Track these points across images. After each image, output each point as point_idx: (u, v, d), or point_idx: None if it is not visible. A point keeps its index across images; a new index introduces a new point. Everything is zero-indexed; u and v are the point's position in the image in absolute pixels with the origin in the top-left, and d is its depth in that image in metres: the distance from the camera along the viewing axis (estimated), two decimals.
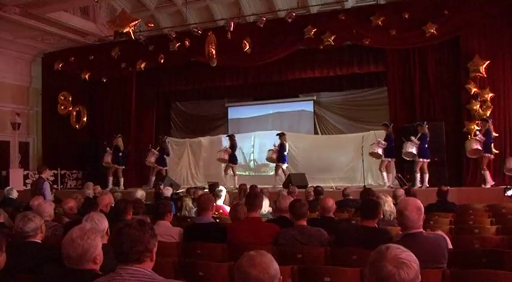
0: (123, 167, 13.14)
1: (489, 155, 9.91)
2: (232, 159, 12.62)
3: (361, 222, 3.95)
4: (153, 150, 13.05)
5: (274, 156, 12.27)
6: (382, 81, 12.65)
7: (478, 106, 10.27)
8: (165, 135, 13.37)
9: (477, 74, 10.31)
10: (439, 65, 11.01)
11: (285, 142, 12.25)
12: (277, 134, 12.45)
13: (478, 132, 9.98)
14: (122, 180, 12.98)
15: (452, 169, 10.42)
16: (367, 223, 3.86)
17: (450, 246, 3.39)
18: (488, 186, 9.65)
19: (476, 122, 10.21)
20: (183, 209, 6.67)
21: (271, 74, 13.17)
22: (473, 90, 10.32)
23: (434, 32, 10.48)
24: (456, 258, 3.35)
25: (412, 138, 10.44)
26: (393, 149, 10.78)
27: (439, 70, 11.00)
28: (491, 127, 9.95)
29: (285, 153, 12.21)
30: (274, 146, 12.29)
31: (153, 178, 12.82)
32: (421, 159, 10.38)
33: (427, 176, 10.27)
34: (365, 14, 11.15)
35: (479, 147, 9.87)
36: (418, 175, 10.32)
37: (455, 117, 10.61)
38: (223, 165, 13.04)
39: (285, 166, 12.33)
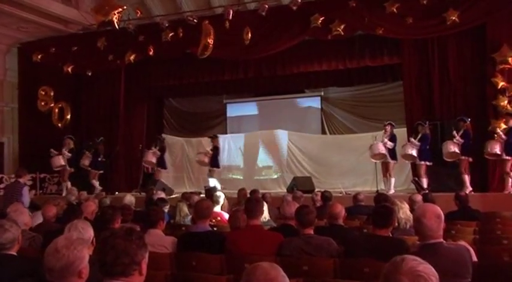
0: (72, 170, 13.24)
1: (467, 158, 10.06)
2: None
3: (374, 231, 3.95)
4: (87, 152, 13.11)
5: (206, 159, 12.70)
6: (397, 75, 12.61)
7: (506, 102, 10.18)
8: (101, 137, 13.38)
9: (505, 66, 10.23)
10: (461, 57, 10.95)
11: (218, 145, 12.79)
12: (210, 137, 13.11)
13: (455, 134, 10.05)
14: (68, 184, 13.03)
15: (476, 172, 10.38)
16: (380, 232, 3.87)
17: (474, 258, 3.37)
18: (467, 191, 9.60)
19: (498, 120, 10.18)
20: (176, 216, 6.66)
21: (274, 67, 13.15)
22: (501, 84, 10.26)
23: (456, 19, 10.43)
24: (481, 272, 3.33)
25: (412, 139, 10.52)
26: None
27: (462, 62, 10.95)
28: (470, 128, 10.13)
29: (219, 157, 12.74)
30: (207, 149, 12.86)
31: (97, 182, 12.98)
32: (422, 162, 10.49)
33: (426, 181, 10.42)
34: (378, 1, 11.10)
35: (457, 150, 9.98)
36: (424, 179, 10.44)
37: (479, 115, 10.56)
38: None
39: (218, 170, 12.87)
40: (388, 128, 11.13)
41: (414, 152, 10.49)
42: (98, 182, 13.09)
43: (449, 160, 10.20)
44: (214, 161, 12.75)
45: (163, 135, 15.64)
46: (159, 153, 13.05)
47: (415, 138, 10.60)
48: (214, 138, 12.99)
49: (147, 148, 13.39)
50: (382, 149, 10.80)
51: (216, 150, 12.77)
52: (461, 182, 10.06)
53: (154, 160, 13.02)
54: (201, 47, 11.99)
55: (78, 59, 13.86)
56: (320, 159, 13.98)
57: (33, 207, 7.87)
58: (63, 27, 13.86)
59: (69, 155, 13.09)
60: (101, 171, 13.22)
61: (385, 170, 11.03)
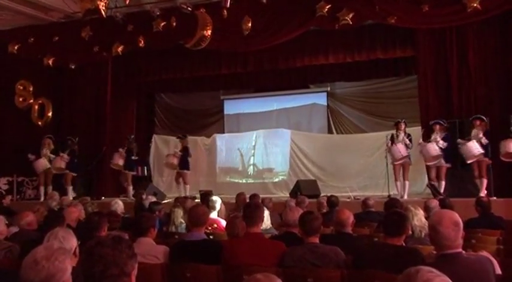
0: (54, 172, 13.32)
1: (487, 159, 10.09)
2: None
3: (385, 240, 3.96)
4: (62, 154, 13.13)
5: (175, 161, 12.81)
6: (411, 69, 12.64)
7: None
8: (76, 137, 13.43)
9: None
10: (483, 48, 10.94)
11: (188, 145, 12.99)
12: (178, 137, 13.33)
13: (481, 134, 10.05)
14: (49, 188, 13.15)
15: (498, 175, 10.36)
16: (392, 241, 3.87)
17: (498, 271, 3.37)
18: (482, 194, 9.62)
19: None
20: (170, 223, 6.68)
21: (275, 60, 13.16)
22: None
23: (478, 6, 10.36)
24: None
25: (438, 139, 10.46)
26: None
27: (483, 54, 10.93)
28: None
29: (189, 159, 12.96)
30: (175, 150, 13.00)
31: (70, 187, 13.07)
32: (447, 164, 10.51)
33: (444, 184, 10.46)
34: None
35: (481, 151, 10.05)
36: (443, 182, 10.48)
37: (502, 112, 10.53)
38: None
39: (189, 173, 13.05)
40: (403, 125, 11.10)
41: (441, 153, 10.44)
42: (71, 187, 13.10)
43: (472, 161, 10.15)
44: (183, 163, 12.88)
45: (154, 135, 15.72)
46: (125, 154, 13.13)
47: (429, 138, 10.60)
48: (183, 139, 13.16)
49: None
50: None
51: (185, 151, 12.92)
52: (478, 185, 10.07)
53: (121, 162, 13.06)
54: (195, 39, 11.96)
55: (60, 50, 13.83)
56: (326, 161, 13.98)
57: (8, 213, 7.86)
58: (43, 14, 13.77)
59: (53, 156, 13.10)
60: (75, 174, 13.23)
61: (400, 172, 10.98)
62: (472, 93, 10.97)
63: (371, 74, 13.94)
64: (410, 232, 4.64)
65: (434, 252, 3.27)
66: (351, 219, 4.96)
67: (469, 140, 10.09)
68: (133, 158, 13.28)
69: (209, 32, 11.88)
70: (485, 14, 10.50)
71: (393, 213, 4.19)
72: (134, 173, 13.50)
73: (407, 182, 10.96)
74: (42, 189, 13.04)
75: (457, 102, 11.05)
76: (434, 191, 10.26)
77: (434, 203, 6.68)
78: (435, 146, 10.42)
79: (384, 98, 14.42)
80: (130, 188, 13.06)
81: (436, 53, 11.34)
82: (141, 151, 15.12)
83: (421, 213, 5.01)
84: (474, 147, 10.03)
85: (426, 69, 11.44)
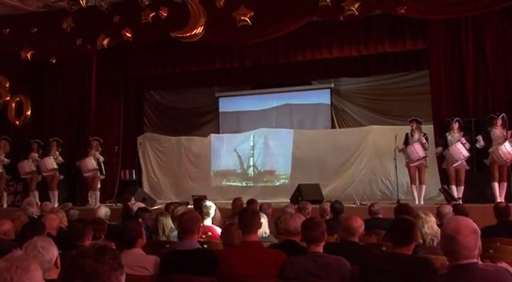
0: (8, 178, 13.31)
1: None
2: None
3: (394, 249, 3.96)
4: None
5: (93, 166, 12.80)
6: (423, 63, 12.65)
7: None
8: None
9: None
10: (502, 39, 10.93)
11: (101, 149, 13.16)
12: (95, 139, 13.28)
13: (509, 133, 10.07)
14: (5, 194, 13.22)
15: None
16: (400, 250, 3.87)
17: None
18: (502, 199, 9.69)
19: None
20: (159, 231, 6.68)
21: (275, 54, 13.17)
22: None
23: None
24: None
25: (463, 139, 10.43)
26: None
27: (502, 46, 10.92)
28: None
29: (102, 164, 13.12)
30: (94, 153, 12.98)
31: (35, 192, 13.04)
32: (467, 166, 10.53)
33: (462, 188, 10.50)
34: None
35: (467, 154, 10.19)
36: (462, 187, 10.49)
37: None
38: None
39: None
40: (418, 124, 11.09)
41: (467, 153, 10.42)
42: (37, 192, 13.03)
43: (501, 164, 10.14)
44: (100, 167, 13.00)
45: (145, 134, 15.72)
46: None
47: (444, 138, 10.62)
48: (100, 141, 13.19)
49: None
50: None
51: (102, 155, 13.04)
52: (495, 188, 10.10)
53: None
54: (184, 35, 11.94)
55: (39, 43, 13.73)
56: (330, 164, 14.00)
57: None
58: (19, 3, 13.70)
59: (7, 160, 13.02)
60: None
61: (417, 175, 10.98)
62: (490, 89, 10.98)
63: (379, 69, 13.96)
64: (421, 240, 4.64)
65: (448, 262, 3.26)
66: (362, 228, 4.94)
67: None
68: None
69: (200, 29, 11.84)
70: (505, 2, 10.45)
71: (399, 220, 4.20)
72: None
73: (423, 186, 10.96)
74: None
75: (473, 99, 11.04)
76: (448, 196, 10.27)
77: (448, 209, 6.69)
78: (461, 148, 10.33)
79: (392, 95, 14.43)
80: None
81: (450, 46, 11.33)
82: (129, 153, 15.12)
83: (432, 220, 5.01)
84: (503, 146, 10.02)
85: (439, 63, 11.44)
